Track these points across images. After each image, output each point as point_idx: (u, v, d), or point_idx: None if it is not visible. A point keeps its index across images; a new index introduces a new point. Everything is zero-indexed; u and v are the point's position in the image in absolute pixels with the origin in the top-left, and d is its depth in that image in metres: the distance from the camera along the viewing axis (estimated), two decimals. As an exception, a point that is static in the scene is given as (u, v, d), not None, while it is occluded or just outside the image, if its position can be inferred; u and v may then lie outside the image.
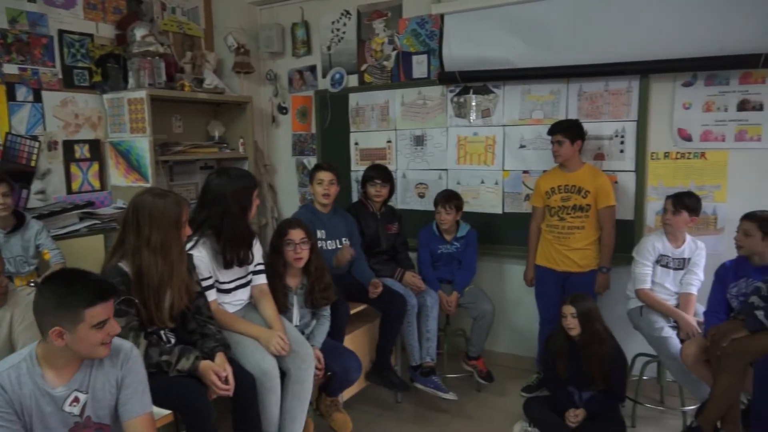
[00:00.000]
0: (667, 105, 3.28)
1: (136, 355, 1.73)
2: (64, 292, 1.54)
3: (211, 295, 2.37)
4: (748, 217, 2.66)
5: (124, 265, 1.99)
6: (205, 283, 2.34)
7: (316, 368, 2.52)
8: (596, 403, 2.74)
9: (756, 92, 3.06)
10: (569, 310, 2.72)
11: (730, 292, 2.71)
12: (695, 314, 2.92)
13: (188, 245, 2.32)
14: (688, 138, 3.25)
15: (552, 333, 2.90)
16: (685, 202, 2.91)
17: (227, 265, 2.40)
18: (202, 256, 2.36)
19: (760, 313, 2.30)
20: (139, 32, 3.52)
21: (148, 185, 3.42)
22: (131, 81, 3.53)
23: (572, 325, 2.71)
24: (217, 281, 2.44)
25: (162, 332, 2.10)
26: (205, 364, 2.04)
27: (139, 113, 3.43)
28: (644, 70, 3.25)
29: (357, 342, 3.09)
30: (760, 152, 3.08)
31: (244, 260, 2.44)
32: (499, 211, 3.81)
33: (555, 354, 2.81)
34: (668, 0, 3.09)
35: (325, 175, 3.13)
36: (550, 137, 3.26)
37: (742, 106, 3.10)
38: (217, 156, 4.11)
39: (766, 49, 2.89)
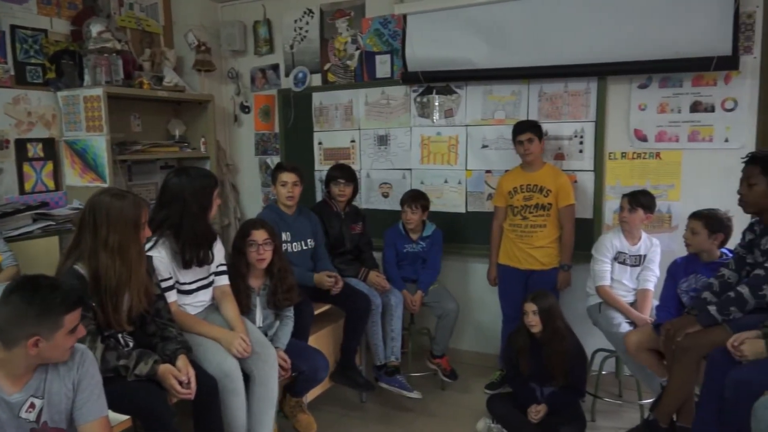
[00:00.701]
0: (624, 106, 3.36)
1: (90, 357, 1.70)
2: (43, 300, 1.52)
3: (171, 297, 2.32)
4: (695, 215, 2.77)
5: (80, 268, 1.93)
6: (164, 285, 2.29)
7: (282, 369, 2.50)
8: (557, 399, 2.79)
9: (708, 94, 3.17)
10: (531, 307, 2.76)
11: (680, 288, 2.81)
12: (651, 309, 3.01)
13: (147, 246, 2.27)
14: (643, 138, 3.34)
15: (514, 330, 2.95)
16: (641, 200, 3.00)
17: (186, 266, 2.36)
18: (161, 257, 2.31)
19: (712, 308, 2.38)
20: (95, 28, 3.42)
21: (106, 185, 3.33)
22: (87, 78, 3.43)
23: (534, 322, 2.75)
24: (177, 282, 2.39)
25: (120, 336, 2.05)
26: (164, 367, 2.00)
27: (96, 111, 3.34)
28: (601, 72, 3.33)
29: (322, 342, 3.08)
30: (711, 152, 3.18)
31: (204, 260, 2.40)
32: (463, 210, 3.85)
33: (517, 351, 2.85)
34: (624, 4, 3.17)
35: (288, 177, 3.10)
36: (515, 137, 3.28)
37: (695, 107, 3.20)
38: (177, 155, 4.03)
39: (717, 52, 2.99)
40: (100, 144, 3.37)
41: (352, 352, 3.18)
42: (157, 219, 2.32)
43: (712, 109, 3.16)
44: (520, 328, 2.87)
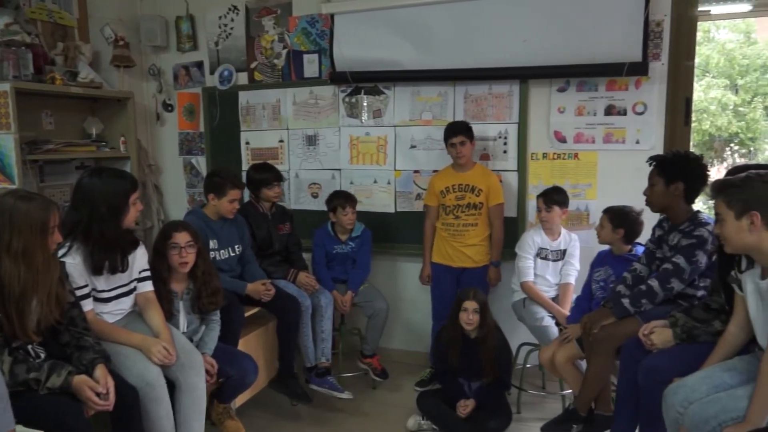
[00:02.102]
0: (545, 108, 3.49)
1: (-7, 370, 1.59)
2: None
3: (87, 305, 2.21)
4: (605, 210, 2.95)
5: (-17, 276, 1.81)
6: (80, 293, 2.18)
7: (208, 375, 2.43)
8: (485, 393, 2.87)
9: (620, 98, 3.34)
10: (472, 305, 2.82)
11: (594, 278, 2.97)
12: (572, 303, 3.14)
13: (61, 251, 2.16)
14: (563, 140, 3.48)
15: (445, 326, 3.00)
16: (554, 198, 3.14)
17: (96, 272, 2.24)
18: (76, 263, 2.19)
19: (625, 301, 2.51)
20: (2, 20, 3.22)
21: (14, 187, 3.13)
22: (-8, 73, 3.21)
23: (473, 320, 2.82)
24: (94, 290, 2.28)
25: (30, 347, 1.93)
26: (79, 379, 1.90)
27: (2, 108, 3.13)
28: (523, 75, 3.44)
29: (251, 345, 3.02)
30: (624, 153, 3.36)
31: (115, 267, 2.28)
32: (392, 210, 3.87)
33: (448, 346, 2.91)
34: (544, 11, 3.28)
35: (238, 194, 3.04)
36: (447, 140, 3.33)
37: (609, 110, 3.36)
38: (95, 155, 3.84)
39: (628, 58, 3.15)
40: (7, 143, 3.16)
41: (291, 359, 3.14)
42: (68, 222, 2.20)
43: (624, 113, 3.34)
44: (450, 324, 2.93)
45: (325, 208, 3.62)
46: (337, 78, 3.78)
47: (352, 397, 3.23)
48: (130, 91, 4.00)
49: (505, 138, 3.57)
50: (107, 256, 2.24)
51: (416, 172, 3.79)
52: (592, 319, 2.58)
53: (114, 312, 2.36)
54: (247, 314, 3.00)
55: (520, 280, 3.21)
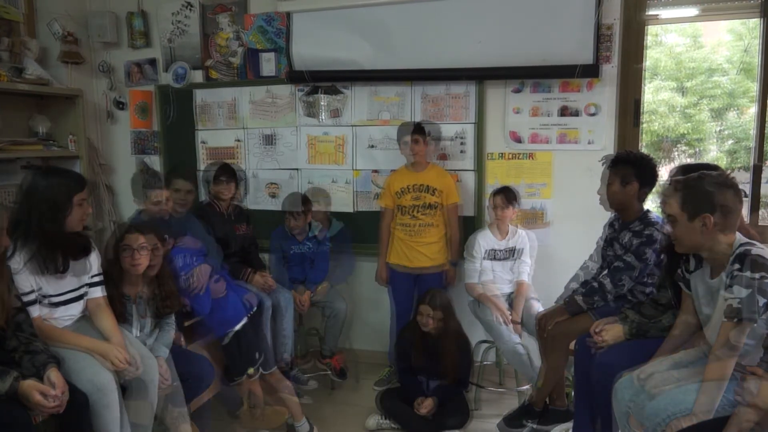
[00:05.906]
0: (500, 109, 3.54)
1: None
2: None
3: (35, 311, 2.12)
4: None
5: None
6: (27, 298, 2.09)
7: (162, 378, 2.38)
8: (443, 391, 2.89)
9: (573, 99, 3.41)
10: (427, 310, 2.87)
11: None
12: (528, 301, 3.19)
13: (8, 255, 2.07)
14: (518, 140, 3.54)
15: (407, 325, 3.02)
16: (510, 197, 3.21)
17: (37, 272, 2.14)
18: (21, 267, 2.10)
19: (579, 298, 2.57)
20: (-59, 13, 3.08)
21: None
22: (-70, 68, 3.07)
23: (428, 323, 2.86)
24: (43, 295, 2.18)
25: (-27, 354, 1.85)
26: (26, 384, 1.83)
27: (-58, 105, 3.00)
28: (479, 76, 3.48)
29: (209, 347, 2.95)
30: (577, 153, 3.44)
31: (55, 268, 2.18)
32: (351, 209, 3.87)
33: (410, 345, 2.93)
34: (499, 13, 3.33)
35: (183, 185, 3.03)
36: (401, 139, 3.36)
37: (562, 111, 3.44)
38: (42, 154, 3.70)
39: (580, 61, 3.23)
40: (-53, 141, 3.03)
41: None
42: (13, 224, 2.11)
43: (577, 114, 3.42)
44: (412, 323, 2.95)
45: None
46: (294, 77, 3.75)
47: (312, 396, 3.22)
48: (79, 89, 3.88)
49: (463, 138, 3.61)
50: (48, 256, 2.15)
51: (375, 171, 3.79)
52: (548, 316, 2.63)
53: (63, 317, 2.27)
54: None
55: (464, 281, 3.27)
